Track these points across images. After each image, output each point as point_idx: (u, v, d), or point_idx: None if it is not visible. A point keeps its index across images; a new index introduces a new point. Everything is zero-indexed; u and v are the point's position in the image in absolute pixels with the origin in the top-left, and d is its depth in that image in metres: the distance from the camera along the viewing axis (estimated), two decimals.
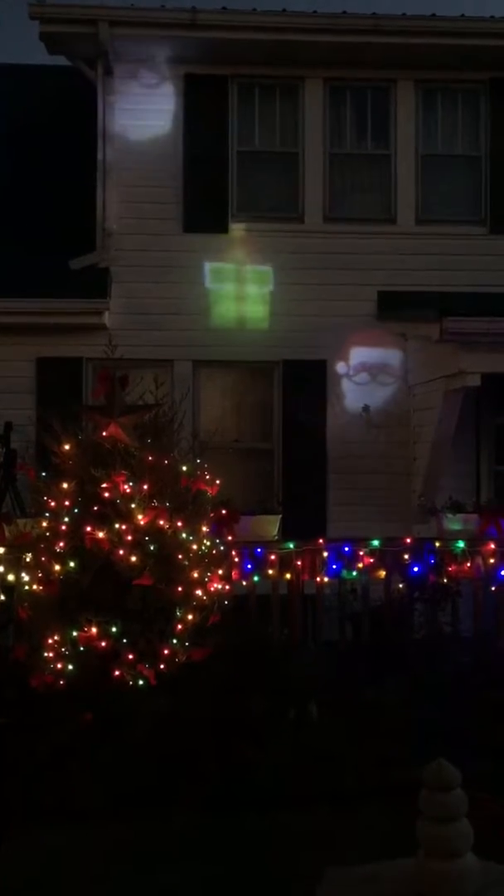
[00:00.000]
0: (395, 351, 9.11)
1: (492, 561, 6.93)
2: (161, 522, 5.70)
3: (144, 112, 9.11)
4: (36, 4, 8.61)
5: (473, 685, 5.87)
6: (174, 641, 5.59)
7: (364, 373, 9.11)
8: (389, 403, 9.09)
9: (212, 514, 6.31)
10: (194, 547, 5.91)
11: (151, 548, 5.62)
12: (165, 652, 5.55)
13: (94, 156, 9.01)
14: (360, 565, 6.86)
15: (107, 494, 5.67)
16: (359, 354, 9.11)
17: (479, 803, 3.16)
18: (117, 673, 5.42)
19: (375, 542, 6.89)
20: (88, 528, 5.61)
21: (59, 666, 5.50)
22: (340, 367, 9.12)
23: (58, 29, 8.69)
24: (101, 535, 5.58)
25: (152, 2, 9.04)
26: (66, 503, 5.80)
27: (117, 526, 5.60)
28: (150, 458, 5.84)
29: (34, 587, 5.82)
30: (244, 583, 6.70)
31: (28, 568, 5.95)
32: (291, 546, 6.86)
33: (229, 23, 8.77)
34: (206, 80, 9.12)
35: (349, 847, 4.29)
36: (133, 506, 5.66)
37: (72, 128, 9.81)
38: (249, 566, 6.74)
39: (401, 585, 6.85)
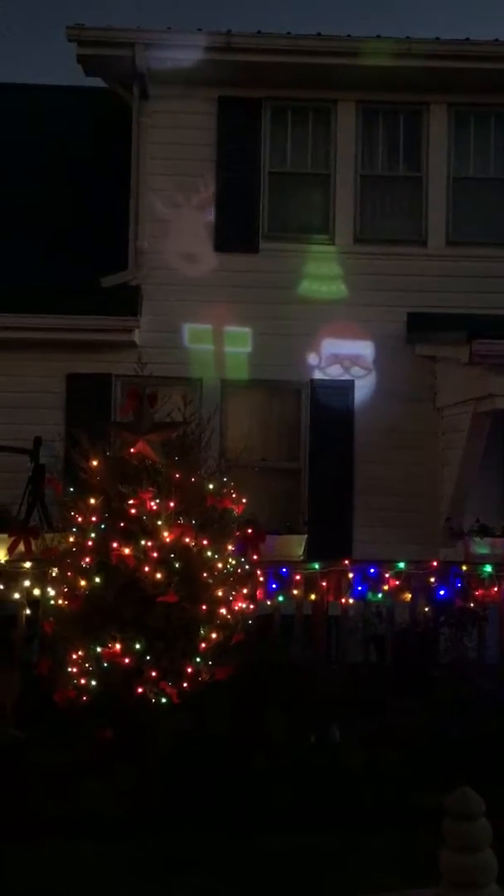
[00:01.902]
0: (424, 373, 9.07)
1: None
2: (187, 540, 5.70)
3: (178, 133, 9.21)
4: (74, 27, 8.77)
5: (498, 711, 5.79)
6: (197, 660, 5.58)
7: (392, 394, 9.08)
8: (417, 425, 9.05)
9: (237, 533, 6.30)
10: (219, 565, 5.90)
11: (176, 565, 5.62)
12: (188, 670, 5.53)
13: (128, 175, 9.13)
14: (386, 587, 6.80)
15: (133, 511, 5.69)
16: (387, 376, 9.09)
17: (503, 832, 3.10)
18: (140, 690, 5.42)
19: (401, 565, 6.83)
20: (114, 545, 5.63)
21: (82, 681, 5.51)
22: (368, 388, 9.10)
23: (95, 52, 8.83)
24: (126, 551, 5.60)
25: (188, 24, 9.17)
26: (93, 519, 5.83)
27: (143, 543, 5.61)
28: (177, 475, 5.85)
29: (60, 602, 5.85)
30: (269, 602, 6.67)
31: (54, 582, 5.98)
32: (317, 566, 6.82)
33: (264, 46, 8.87)
34: (240, 102, 9.21)
35: (368, 873, 4.24)
36: (159, 523, 5.67)
37: (106, 147, 9.96)
38: (274, 586, 6.71)
39: (426, 609, 6.79)
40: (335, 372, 9.09)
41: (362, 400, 9.09)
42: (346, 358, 9.07)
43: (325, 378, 9.11)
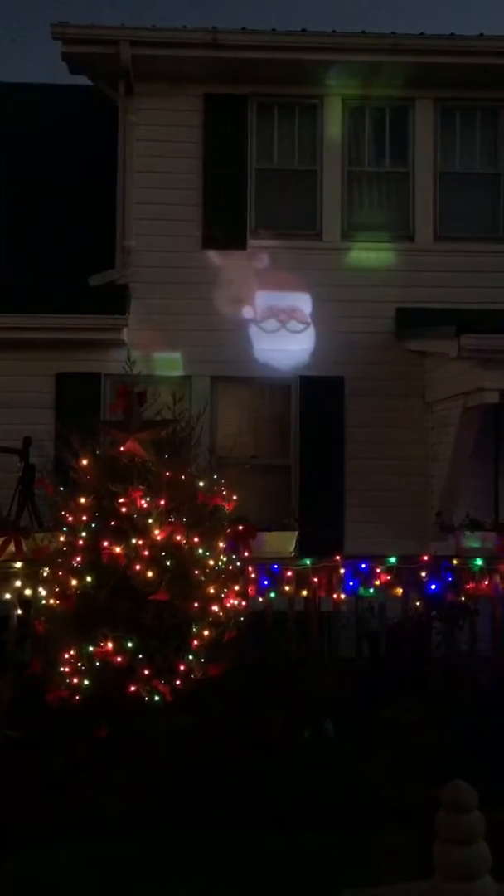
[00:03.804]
0: (413, 368, 9.09)
1: None
2: (178, 538, 5.70)
3: (164, 130, 9.20)
4: (58, 25, 8.73)
5: (492, 705, 5.81)
6: (190, 657, 5.57)
7: (381, 389, 9.10)
8: (407, 420, 9.06)
9: (228, 530, 6.29)
10: (211, 563, 5.90)
11: (168, 563, 5.62)
12: (181, 668, 5.53)
13: (114, 173, 9.11)
14: (377, 582, 6.81)
15: (124, 509, 5.68)
16: (376, 371, 9.10)
17: (498, 826, 3.12)
18: (133, 688, 5.41)
19: (392, 560, 6.84)
20: (105, 543, 5.62)
21: (74, 681, 5.50)
22: (358, 383, 9.11)
23: (80, 50, 8.80)
24: (117, 550, 5.59)
25: (173, 21, 9.15)
26: (84, 518, 5.82)
27: (134, 541, 5.60)
28: (167, 473, 5.84)
29: (51, 601, 5.83)
30: (260, 599, 6.67)
31: (45, 582, 5.96)
32: (308, 562, 6.82)
33: (249, 42, 8.85)
34: (226, 99, 9.20)
35: (365, 867, 4.25)
36: (150, 521, 5.66)
37: (92, 146, 9.93)
38: (266, 582, 6.71)
39: (418, 603, 6.80)
40: (324, 367, 9.10)
41: (351, 395, 9.10)
42: (334, 353, 9.07)
43: (315, 374, 9.11)
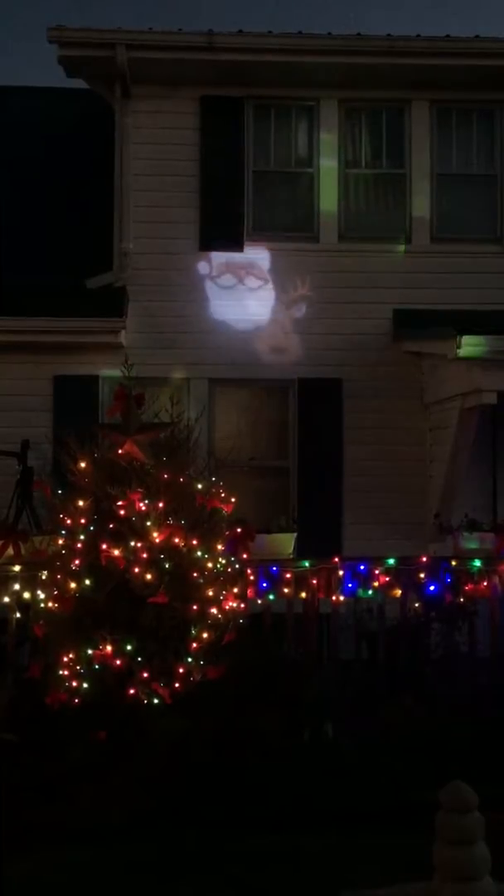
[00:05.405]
0: (411, 369, 9.10)
1: None
2: (176, 540, 5.70)
3: (161, 133, 9.20)
4: (54, 29, 8.75)
5: (491, 705, 5.81)
6: (189, 660, 5.58)
7: (379, 391, 9.10)
8: (405, 422, 9.07)
9: (227, 532, 6.30)
10: (209, 565, 5.90)
11: (167, 566, 5.62)
12: (180, 670, 5.53)
13: (112, 176, 9.12)
14: (376, 584, 6.81)
15: (122, 512, 5.68)
16: (374, 373, 9.11)
17: (498, 826, 3.12)
18: (132, 691, 5.41)
19: (391, 561, 6.84)
20: (104, 546, 5.62)
21: (73, 684, 5.50)
22: (356, 385, 9.11)
23: (76, 53, 8.82)
24: (116, 552, 5.59)
25: (169, 24, 9.16)
26: (82, 521, 5.82)
27: (133, 544, 5.60)
28: (165, 475, 5.85)
29: (50, 605, 5.83)
30: (259, 601, 6.66)
31: (44, 585, 5.96)
32: (307, 564, 6.82)
33: (245, 45, 8.87)
34: (222, 102, 9.21)
35: (365, 868, 4.25)
36: (148, 523, 5.67)
37: (89, 148, 9.93)
38: (265, 584, 6.70)
39: (417, 605, 6.80)
40: (322, 369, 9.10)
41: (350, 397, 9.11)
42: (332, 355, 9.09)
43: (313, 376, 9.12)
